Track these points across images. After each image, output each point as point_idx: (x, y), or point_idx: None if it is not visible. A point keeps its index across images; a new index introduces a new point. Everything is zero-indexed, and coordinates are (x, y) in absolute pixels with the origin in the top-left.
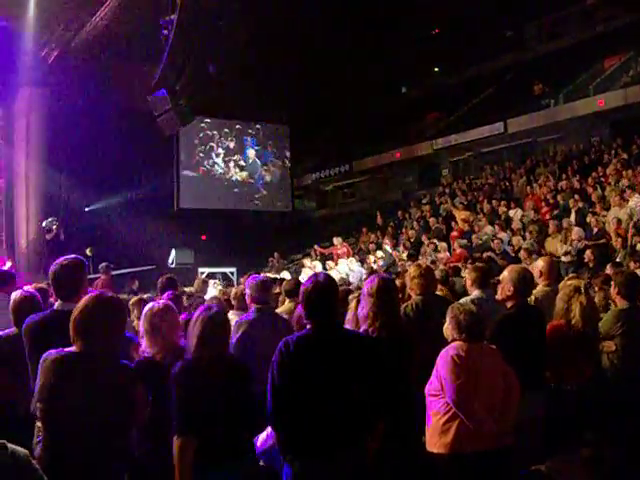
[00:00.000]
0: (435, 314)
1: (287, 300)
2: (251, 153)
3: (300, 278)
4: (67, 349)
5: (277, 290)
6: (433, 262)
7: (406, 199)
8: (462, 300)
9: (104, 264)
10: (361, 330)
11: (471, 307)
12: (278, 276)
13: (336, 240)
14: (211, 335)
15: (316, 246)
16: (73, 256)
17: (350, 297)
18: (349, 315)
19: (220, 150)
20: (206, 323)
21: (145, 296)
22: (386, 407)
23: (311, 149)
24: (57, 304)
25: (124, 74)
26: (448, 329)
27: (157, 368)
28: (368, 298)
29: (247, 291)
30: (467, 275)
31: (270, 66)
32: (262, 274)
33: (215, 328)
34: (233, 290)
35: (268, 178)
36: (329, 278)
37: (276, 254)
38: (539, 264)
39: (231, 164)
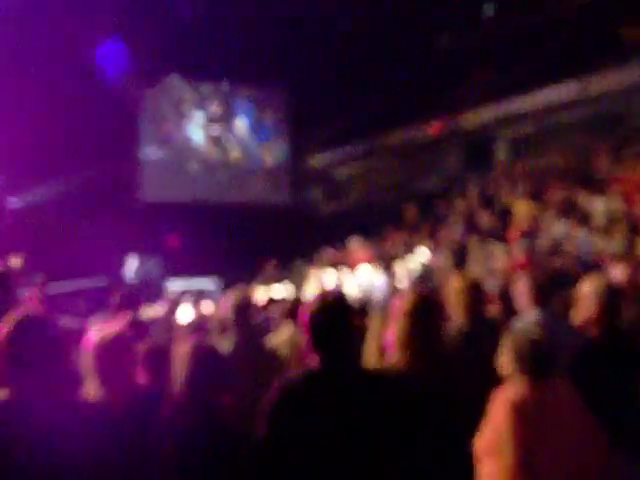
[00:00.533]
0: (486, 342)
1: (286, 325)
2: (242, 124)
3: (304, 294)
4: None
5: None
6: (490, 272)
7: (448, 187)
8: (520, 322)
9: (37, 278)
10: (387, 363)
11: (536, 332)
12: (275, 291)
13: (353, 242)
14: (204, 379)
15: (326, 250)
16: None
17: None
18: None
19: (199, 119)
20: (198, 363)
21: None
22: (422, 474)
23: (320, 121)
24: None
25: (66, 20)
26: (504, 363)
27: (111, 419)
28: (400, 320)
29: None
30: (520, 288)
31: (267, 10)
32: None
33: (208, 370)
34: (214, 314)
35: (265, 159)
36: (342, 296)
37: (272, 262)
38: (618, 273)
39: (213, 139)
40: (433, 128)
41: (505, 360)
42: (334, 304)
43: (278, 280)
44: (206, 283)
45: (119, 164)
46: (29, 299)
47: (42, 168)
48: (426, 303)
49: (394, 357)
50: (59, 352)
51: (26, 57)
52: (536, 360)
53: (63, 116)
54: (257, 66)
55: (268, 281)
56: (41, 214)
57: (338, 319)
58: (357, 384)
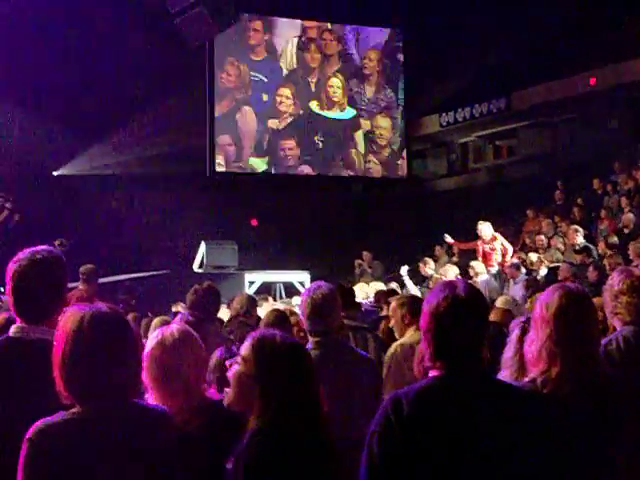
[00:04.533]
0: None
1: (408, 330)
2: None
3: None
4: (62, 415)
5: (384, 312)
6: None
7: (607, 159)
8: None
9: (87, 267)
10: (527, 379)
11: None
12: (371, 286)
13: (483, 228)
14: (303, 386)
15: (447, 237)
16: (45, 248)
17: (512, 324)
18: (509, 352)
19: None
20: (293, 363)
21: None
22: None
23: (438, 73)
24: (14, 329)
25: None
26: None
27: (179, 438)
28: (541, 325)
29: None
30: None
31: None
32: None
33: (307, 374)
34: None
35: (373, 121)
36: (473, 290)
37: (366, 253)
38: None
39: (308, 91)
40: (590, 80)
41: None
42: (464, 299)
43: (376, 277)
44: (293, 277)
45: (188, 128)
46: (74, 293)
47: (94, 133)
48: (579, 303)
49: (535, 374)
50: (139, 354)
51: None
52: None
53: (122, 70)
54: (365, 6)
55: (361, 278)
56: (90, 187)
57: (469, 317)
58: (487, 401)
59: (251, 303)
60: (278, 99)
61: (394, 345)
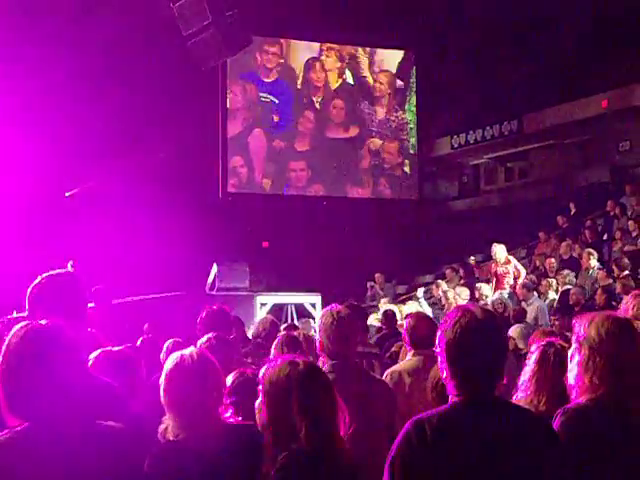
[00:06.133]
0: None
1: (410, 353)
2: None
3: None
4: (7, 432)
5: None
6: None
7: (619, 180)
8: None
9: (96, 288)
10: (586, 400)
11: None
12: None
13: (497, 250)
14: (322, 407)
15: (472, 259)
16: (63, 271)
17: (532, 348)
18: (526, 374)
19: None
20: (310, 385)
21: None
22: None
23: (450, 95)
24: None
25: None
26: None
27: (190, 460)
28: (599, 351)
29: (318, 335)
30: None
31: None
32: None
33: (326, 394)
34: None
35: (392, 144)
36: (488, 314)
37: (378, 275)
38: None
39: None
40: (602, 103)
41: None
42: (481, 321)
43: (390, 300)
44: (305, 299)
45: (200, 148)
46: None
47: (105, 152)
48: (629, 328)
49: (594, 395)
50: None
51: (94, 22)
52: None
53: (133, 91)
54: (370, 24)
55: (374, 300)
56: (101, 208)
57: (487, 341)
58: (513, 429)
59: (273, 327)
60: (301, 120)
61: (387, 371)
